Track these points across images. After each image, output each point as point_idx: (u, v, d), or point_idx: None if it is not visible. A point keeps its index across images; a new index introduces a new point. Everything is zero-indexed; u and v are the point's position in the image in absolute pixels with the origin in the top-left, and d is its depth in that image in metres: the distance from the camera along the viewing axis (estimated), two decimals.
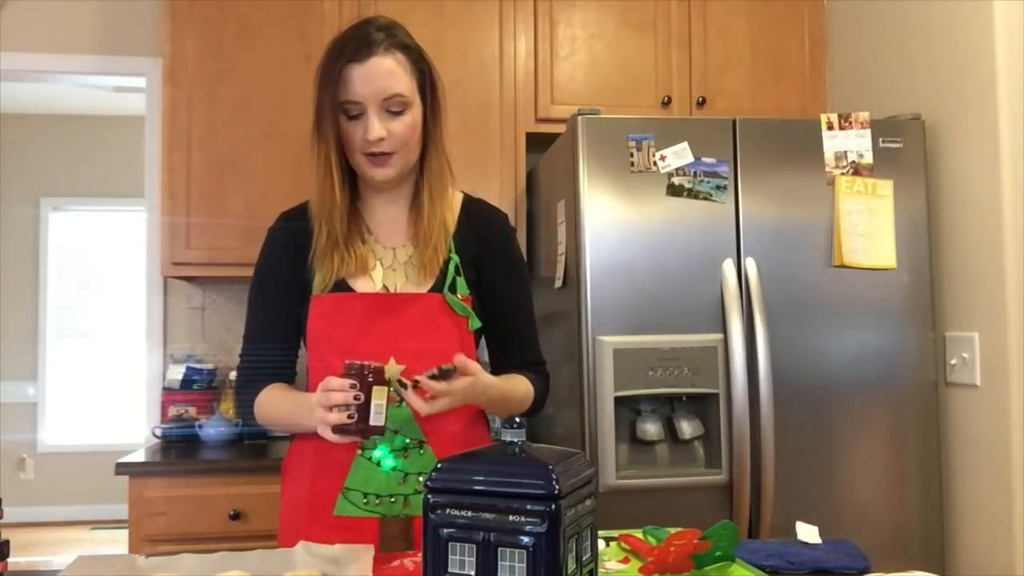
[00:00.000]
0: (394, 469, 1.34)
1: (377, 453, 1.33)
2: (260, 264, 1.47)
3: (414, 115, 1.35)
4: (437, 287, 1.38)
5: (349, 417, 1.17)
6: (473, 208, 1.48)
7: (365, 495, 1.34)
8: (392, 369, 1.32)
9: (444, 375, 1.20)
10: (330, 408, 1.18)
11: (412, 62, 1.36)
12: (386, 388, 1.19)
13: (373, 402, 1.18)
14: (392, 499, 1.33)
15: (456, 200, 1.47)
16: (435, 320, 1.36)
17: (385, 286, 1.38)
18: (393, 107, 1.33)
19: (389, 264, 1.40)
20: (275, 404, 1.39)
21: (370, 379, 1.18)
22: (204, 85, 2.58)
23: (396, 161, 1.36)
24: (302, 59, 2.62)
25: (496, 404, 1.36)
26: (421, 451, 1.35)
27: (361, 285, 1.37)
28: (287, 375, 1.44)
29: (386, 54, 1.33)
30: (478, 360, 1.34)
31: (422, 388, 1.20)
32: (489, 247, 1.45)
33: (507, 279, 1.47)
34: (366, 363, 1.19)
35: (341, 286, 1.37)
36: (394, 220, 1.43)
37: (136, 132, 3.43)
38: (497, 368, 1.45)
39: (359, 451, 1.34)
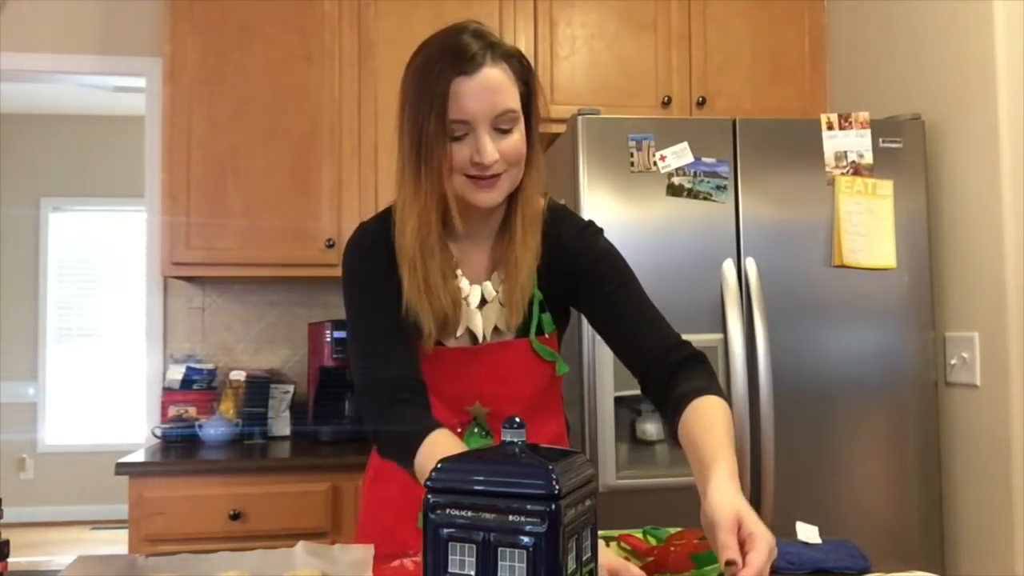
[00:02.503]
0: None
1: None
2: (355, 277, 1.30)
3: (521, 131, 1.21)
4: (523, 329, 1.29)
5: None
6: (552, 229, 1.31)
7: None
8: (477, 410, 1.32)
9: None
10: None
11: (516, 73, 1.21)
12: None
13: None
14: None
15: (539, 206, 1.30)
16: (520, 366, 1.29)
17: (469, 329, 1.29)
18: (503, 124, 1.18)
19: (476, 303, 1.29)
20: (433, 457, 1.15)
21: None
22: (204, 85, 2.58)
23: (504, 183, 1.21)
24: (302, 59, 2.62)
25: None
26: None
27: (447, 335, 1.28)
28: (421, 381, 1.25)
29: (495, 65, 1.18)
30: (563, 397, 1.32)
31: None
32: (572, 265, 1.31)
33: (610, 290, 1.29)
34: None
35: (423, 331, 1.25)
36: (480, 252, 1.31)
37: (136, 132, 3.43)
38: (635, 364, 1.28)
39: None
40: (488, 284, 1.30)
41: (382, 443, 1.24)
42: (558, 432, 1.43)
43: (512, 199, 1.27)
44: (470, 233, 1.29)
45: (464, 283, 1.29)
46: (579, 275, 1.30)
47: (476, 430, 1.33)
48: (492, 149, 1.17)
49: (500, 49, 1.20)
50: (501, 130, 1.19)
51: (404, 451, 1.15)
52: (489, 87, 1.17)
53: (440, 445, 1.12)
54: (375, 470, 1.43)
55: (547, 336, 1.31)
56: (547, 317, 1.32)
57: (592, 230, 1.36)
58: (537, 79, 1.26)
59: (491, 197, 1.21)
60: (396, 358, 1.24)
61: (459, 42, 1.19)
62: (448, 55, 1.18)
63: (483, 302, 1.30)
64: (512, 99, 1.19)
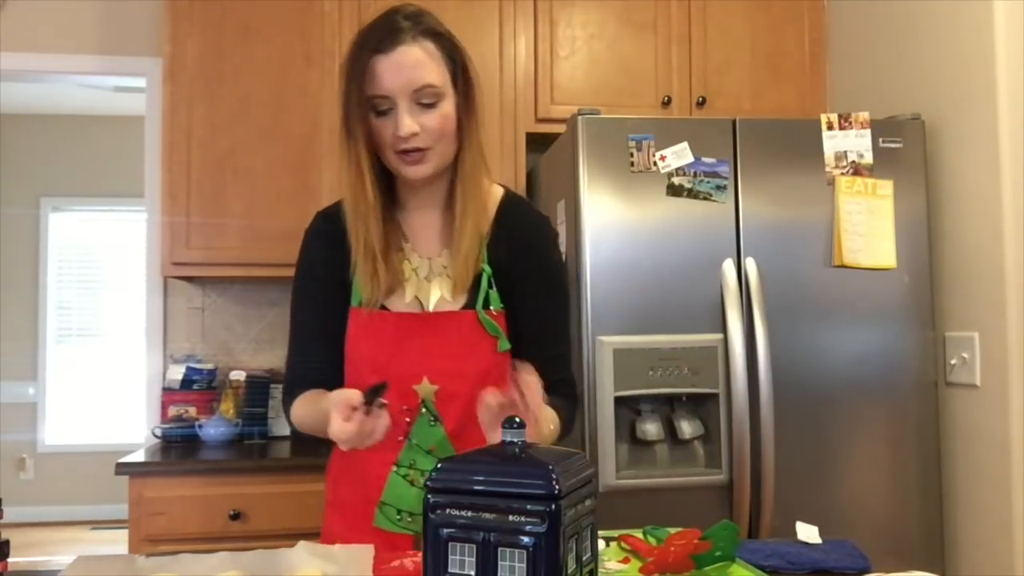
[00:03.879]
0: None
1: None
2: (300, 267, 1.41)
3: (447, 107, 1.26)
4: (470, 302, 1.31)
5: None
6: (509, 208, 1.38)
7: (399, 511, 1.32)
8: (425, 389, 1.30)
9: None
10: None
11: (443, 50, 1.26)
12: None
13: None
14: None
15: (494, 197, 1.37)
16: (468, 339, 1.30)
17: (418, 298, 1.32)
18: (424, 99, 1.23)
19: (424, 275, 1.33)
20: (305, 413, 1.33)
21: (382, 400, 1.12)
22: (204, 85, 2.58)
23: (431, 157, 1.27)
24: (302, 59, 2.62)
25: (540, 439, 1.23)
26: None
27: (394, 300, 1.32)
28: (334, 381, 1.34)
29: (414, 43, 1.23)
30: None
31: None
32: (523, 255, 1.35)
33: (540, 291, 1.36)
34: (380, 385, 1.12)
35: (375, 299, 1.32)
36: (430, 226, 1.35)
37: (136, 132, 3.43)
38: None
39: (393, 467, 1.32)
40: (438, 259, 1.34)
41: (289, 422, 1.41)
42: None
43: (453, 174, 1.32)
44: (419, 206, 1.35)
45: (412, 255, 1.34)
46: (525, 270, 1.35)
47: (425, 416, 1.30)
48: (409, 123, 1.22)
49: (422, 27, 1.25)
50: (424, 104, 1.24)
51: (292, 424, 1.36)
52: (405, 63, 1.22)
53: (301, 400, 1.33)
54: (328, 469, 1.46)
55: (494, 312, 1.32)
56: (495, 294, 1.33)
57: (551, 232, 1.42)
58: (468, 58, 1.30)
59: (417, 171, 1.27)
60: (311, 358, 1.37)
61: (384, 21, 1.26)
62: (370, 35, 1.26)
63: (432, 275, 1.33)
64: (433, 75, 1.24)
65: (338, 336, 1.35)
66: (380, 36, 1.24)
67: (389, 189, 1.35)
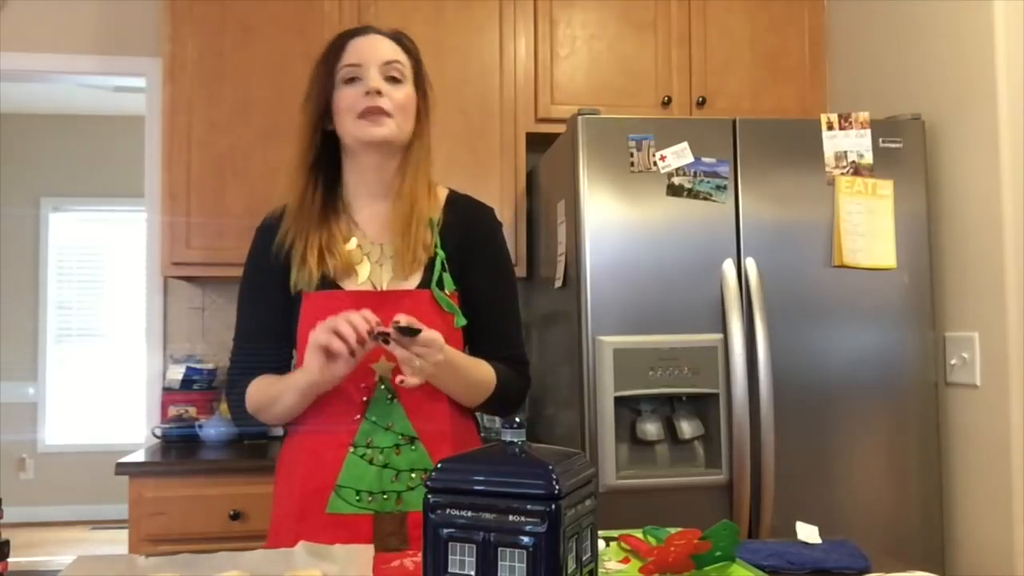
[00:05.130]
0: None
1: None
2: (247, 264, 1.47)
3: (409, 89, 1.39)
4: (424, 283, 1.38)
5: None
6: (458, 202, 1.48)
7: (358, 492, 1.33)
8: (383, 367, 1.34)
9: (408, 332, 1.21)
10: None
11: (408, 53, 1.42)
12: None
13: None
14: (385, 496, 1.33)
15: (440, 195, 1.47)
16: (425, 316, 1.33)
17: (372, 282, 1.38)
18: (392, 73, 1.37)
19: (376, 259, 1.40)
20: (267, 383, 1.38)
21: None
22: (204, 85, 2.58)
23: (390, 124, 1.36)
24: (302, 59, 2.61)
25: (455, 374, 1.34)
26: (413, 447, 1.35)
27: (348, 284, 1.38)
28: (283, 372, 1.42)
29: (387, 36, 1.41)
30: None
31: (401, 364, 1.24)
32: (473, 241, 1.44)
33: (490, 274, 1.45)
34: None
35: (329, 284, 1.37)
36: (380, 216, 1.42)
37: (136, 132, 3.43)
38: (476, 352, 1.45)
39: (351, 448, 1.34)
40: (389, 245, 1.40)
41: (233, 416, 1.47)
42: None
43: (402, 163, 1.41)
44: (369, 195, 1.43)
45: (364, 241, 1.41)
46: (476, 255, 1.44)
47: (382, 393, 1.35)
48: (377, 78, 1.34)
49: (393, 31, 1.42)
50: (391, 78, 1.37)
51: (239, 406, 1.41)
52: (378, 43, 1.38)
53: (257, 383, 1.39)
54: (277, 467, 1.48)
55: (447, 292, 1.39)
56: (448, 276, 1.40)
57: (497, 221, 1.51)
58: (422, 64, 1.44)
59: (380, 132, 1.35)
60: (258, 352, 1.43)
61: (355, 27, 1.45)
62: (344, 32, 1.42)
63: (384, 259, 1.40)
64: (401, 56, 1.39)
65: (285, 335, 1.42)
66: (359, 28, 1.43)
67: (335, 189, 1.44)
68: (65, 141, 5.98)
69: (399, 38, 1.42)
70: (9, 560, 1.11)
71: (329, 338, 1.20)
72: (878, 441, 2.14)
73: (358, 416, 1.35)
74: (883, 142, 2.20)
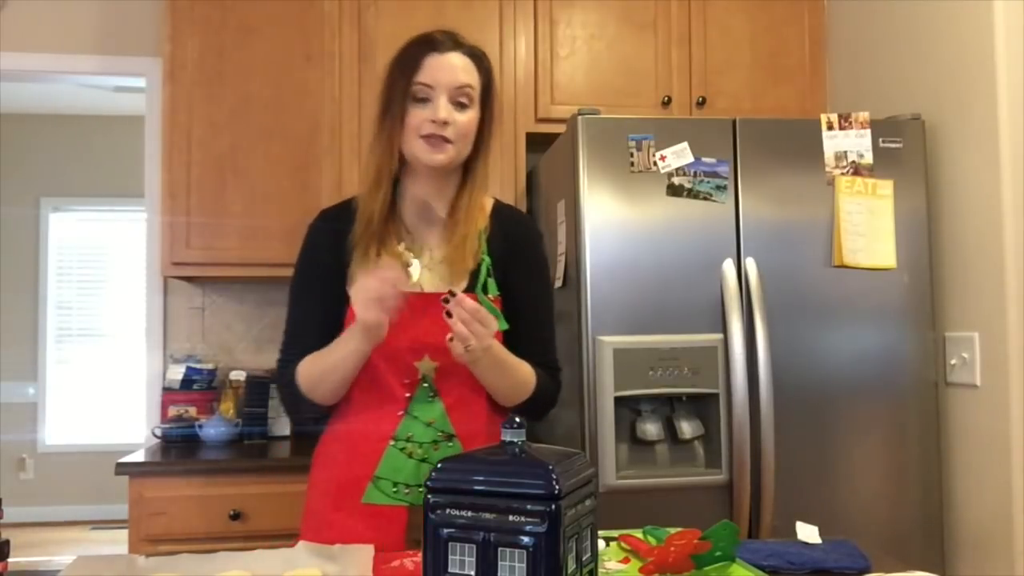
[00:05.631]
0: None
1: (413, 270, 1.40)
2: (302, 262, 1.49)
3: (474, 114, 1.41)
4: (470, 287, 1.41)
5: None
6: (503, 211, 1.53)
7: (395, 484, 1.38)
8: (426, 365, 1.39)
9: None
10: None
11: (481, 72, 1.43)
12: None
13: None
14: (421, 489, 1.36)
15: (487, 204, 1.51)
16: None
17: (420, 284, 1.41)
18: (461, 98, 1.38)
19: (425, 264, 1.43)
20: (316, 356, 1.39)
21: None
22: (204, 85, 2.58)
23: (451, 151, 1.39)
24: (302, 59, 2.62)
25: (502, 369, 1.38)
26: (450, 444, 1.40)
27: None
28: None
29: (464, 54, 1.40)
30: None
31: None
32: (516, 248, 1.49)
33: (530, 281, 1.50)
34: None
35: None
36: (431, 230, 1.46)
37: (136, 132, 3.42)
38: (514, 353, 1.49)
39: (391, 441, 1.38)
40: (437, 250, 1.45)
41: (283, 404, 1.50)
42: None
43: (463, 176, 1.45)
44: (421, 217, 1.46)
45: (413, 246, 1.44)
46: (520, 263, 1.49)
47: (424, 391, 1.40)
48: (446, 108, 1.37)
49: (471, 47, 1.43)
50: (458, 104, 1.38)
51: (291, 389, 1.40)
52: (454, 64, 1.38)
53: (307, 357, 1.39)
54: (315, 457, 1.51)
55: (491, 297, 1.42)
56: (492, 282, 1.45)
57: (539, 232, 1.59)
58: (496, 82, 1.47)
59: (439, 158, 1.38)
60: (307, 348, 1.41)
61: (439, 32, 1.43)
62: (424, 39, 1.41)
63: (433, 264, 1.44)
64: (472, 79, 1.40)
65: (329, 325, 1.41)
66: (438, 39, 1.40)
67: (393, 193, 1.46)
68: (65, 141, 5.98)
69: (475, 56, 1.42)
70: (9, 560, 1.11)
71: (378, 286, 1.24)
72: (878, 441, 2.14)
73: (400, 411, 1.40)
74: (883, 142, 2.20)
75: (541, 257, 1.54)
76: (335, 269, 1.42)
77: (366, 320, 1.26)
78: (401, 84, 1.38)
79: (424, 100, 1.37)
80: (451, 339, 1.25)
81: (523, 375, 1.43)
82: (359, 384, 1.40)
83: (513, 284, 1.47)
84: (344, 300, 1.39)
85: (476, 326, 1.24)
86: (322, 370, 1.38)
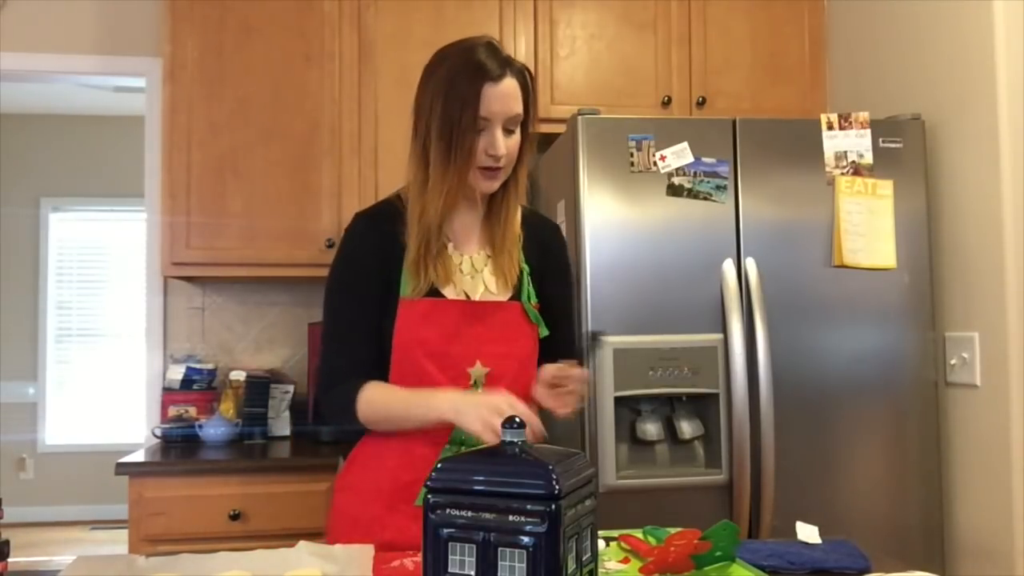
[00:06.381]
0: None
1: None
2: (344, 264, 1.48)
3: (519, 135, 1.43)
4: (515, 295, 1.46)
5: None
6: (531, 219, 1.56)
7: None
8: (478, 371, 1.41)
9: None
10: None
11: (524, 89, 1.42)
12: None
13: None
14: None
15: (522, 198, 1.54)
16: (515, 327, 1.45)
17: (465, 292, 1.44)
18: (511, 125, 1.40)
19: (467, 271, 1.46)
20: (390, 397, 1.40)
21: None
22: (204, 85, 2.58)
23: (502, 176, 1.43)
24: (302, 59, 2.62)
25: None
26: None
27: (448, 292, 1.43)
28: (380, 374, 1.43)
29: (513, 77, 1.40)
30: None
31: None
32: (549, 257, 1.54)
33: (561, 288, 1.56)
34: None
35: (430, 291, 1.41)
36: (469, 228, 1.49)
37: (136, 132, 3.42)
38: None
39: (446, 445, 1.39)
40: (478, 256, 1.48)
41: (327, 413, 1.47)
42: None
43: (504, 188, 1.47)
44: (461, 211, 1.47)
45: (454, 253, 1.46)
46: (551, 269, 1.54)
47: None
48: (503, 144, 1.39)
49: (515, 66, 1.42)
50: (508, 130, 1.40)
51: (345, 408, 1.40)
52: (509, 94, 1.39)
53: (377, 387, 1.39)
54: (352, 458, 1.51)
55: (533, 304, 1.48)
56: (532, 289, 1.50)
57: (563, 238, 1.63)
58: (535, 92, 1.46)
59: (492, 185, 1.43)
60: (354, 353, 1.43)
61: (491, 52, 1.41)
62: (479, 66, 1.38)
63: (475, 271, 1.47)
64: (520, 106, 1.41)
65: (378, 333, 1.43)
66: (490, 68, 1.38)
67: None
68: (65, 141, 5.97)
69: (522, 76, 1.42)
70: (9, 560, 1.11)
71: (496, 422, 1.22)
72: (878, 441, 2.14)
73: None
74: (883, 142, 2.20)
75: (567, 263, 1.60)
76: (383, 269, 1.43)
77: (479, 436, 1.25)
78: (466, 118, 1.36)
79: (480, 131, 1.38)
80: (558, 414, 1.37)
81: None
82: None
83: (547, 291, 1.52)
84: (389, 302, 1.41)
85: (583, 383, 1.36)
86: (390, 416, 1.40)
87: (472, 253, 1.47)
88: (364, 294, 1.44)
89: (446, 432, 1.38)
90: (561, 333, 1.54)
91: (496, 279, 1.46)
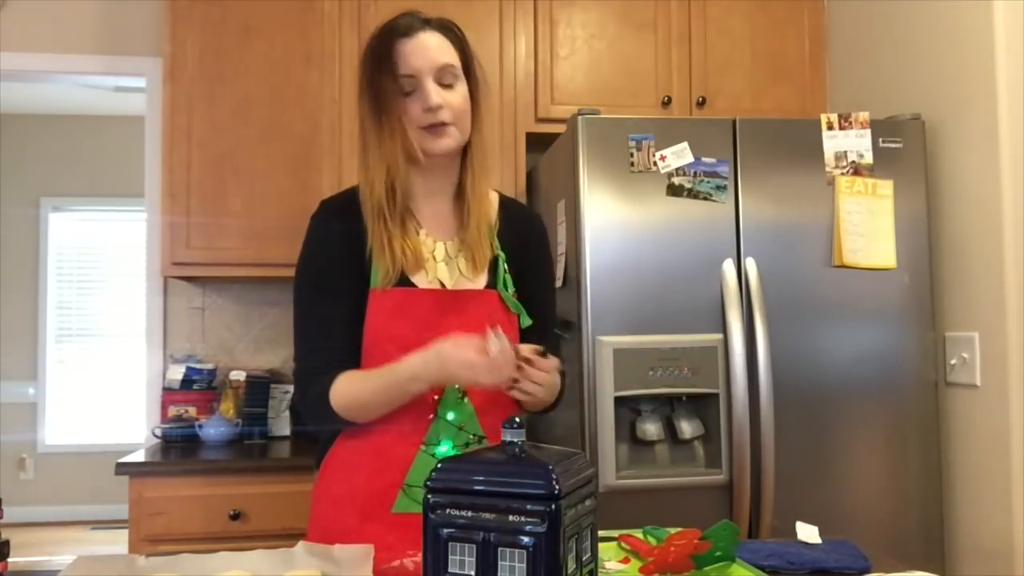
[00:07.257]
0: None
1: (443, 448, 1.33)
2: (311, 258, 1.40)
3: (463, 89, 1.37)
4: (491, 283, 1.40)
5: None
6: (510, 206, 1.51)
7: None
8: None
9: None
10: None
11: (454, 42, 1.38)
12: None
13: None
14: None
15: (492, 198, 1.48)
16: (493, 316, 1.36)
17: (440, 280, 1.38)
18: (446, 79, 1.34)
19: (441, 258, 1.39)
20: (364, 380, 1.32)
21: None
22: (204, 85, 2.58)
23: (453, 132, 1.35)
24: (302, 59, 2.62)
25: (551, 389, 1.38)
26: (481, 446, 1.35)
27: (420, 280, 1.36)
28: (349, 369, 1.36)
29: (429, 31, 1.36)
30: None
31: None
32: (528, 246, 1.48)
33: (540, 279, 1.50)
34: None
35: (402, 281, 1.35)
36: (440, 214, 1.42)
37: (136, 132, 3.42)
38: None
39: (422, 447, 1.33)
40: (451, 243, 1.41)
41: (308, 416, 1.39)
42: None
43: (463, 161, 1.42)
44: (430, 194, 1.42)
45: (427, 238, 1.40)
46: (530, 258, 1.48)
47: (453, 392, 1.35)
48: (436, 94, 1.33)
49: (435, 21, 1.38)
50: (444, 84, 1.35)
51: (321, 407, 1.32)
52: (429, 46, 1.34)
53: (347, 376, 1.32)
54: (325, 466, 1.43)
55: (510, 293, 1.42)
56: (509, 278, 1.43)
57: (544, 228, 1.56)
58: (471, 48, 1.42)
59: (444, 144, 1.35)
60: (329, 347, 1.36)
61: (399, 17, 1.38)
62: (390, 26, 1.37)
63: (448, 258, 1.40)
64: (450, 56, 1.36)
65: (352, 324, 1.36)
66: (400, 25, 1.36)
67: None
68: (65, 141, 5.97)
69: (446, 29, 1.38)
70: (9, 560, 1.11)
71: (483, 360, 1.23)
72: (878, 441, 2.14)
73: (431, 415, 1.34)
74: (883, 142, 2.20)
75: (548, 254, 1.54)
76: (351, 264, 1.36)
77: (490, 385, 1.26)
78: (386, 81, 1.33)
79: (411, 92, 1.33)
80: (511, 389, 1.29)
81: (556, 386, 1.40)
82: None
83: (525, 282, 1.45)
84: (360, 295, 1.35)
85: (539, 375, 1.28)
86: (374, 400, 1.32)
87: (447, 240, 1.40)
88: (334, 288, 1.36)
89: (421, 432, 1.33)
90: (542, 331, 1.46)
91: (468, 264, 1.39)
